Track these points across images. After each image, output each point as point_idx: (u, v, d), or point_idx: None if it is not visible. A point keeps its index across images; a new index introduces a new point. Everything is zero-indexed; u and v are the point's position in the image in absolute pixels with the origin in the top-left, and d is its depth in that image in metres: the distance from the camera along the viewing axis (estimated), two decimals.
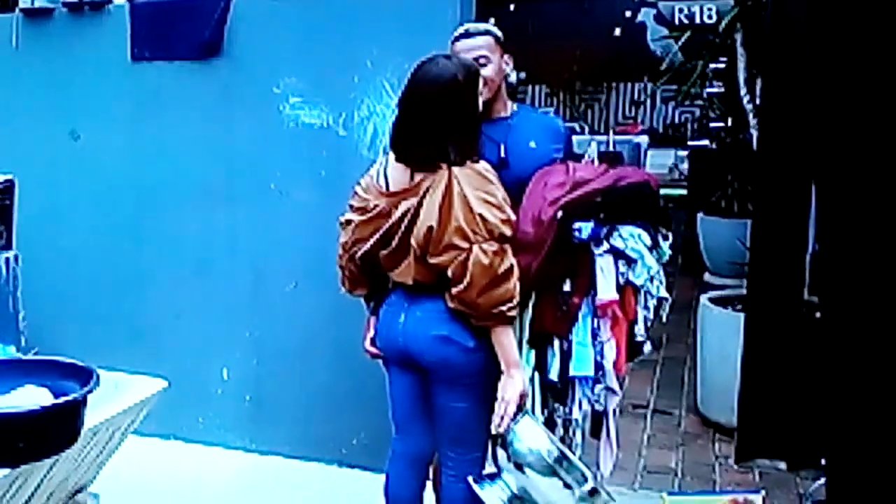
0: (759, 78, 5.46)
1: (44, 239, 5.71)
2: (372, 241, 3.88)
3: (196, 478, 5.64)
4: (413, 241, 3.72)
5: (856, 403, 3.94)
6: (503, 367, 3.75)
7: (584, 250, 3.89)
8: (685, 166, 12.51)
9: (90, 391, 2.99)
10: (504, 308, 3.65)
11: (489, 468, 4.02)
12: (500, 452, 3.82)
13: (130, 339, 5.95)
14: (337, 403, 5.64)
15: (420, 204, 3.70)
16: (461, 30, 4.16)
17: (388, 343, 4.09)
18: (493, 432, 3.78)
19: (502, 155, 4.11)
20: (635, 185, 3.97)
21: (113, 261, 6.18)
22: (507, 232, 3.69)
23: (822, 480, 4.70)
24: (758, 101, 5.84)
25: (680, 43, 8.74)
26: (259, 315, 5.87)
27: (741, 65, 6.49)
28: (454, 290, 3.67)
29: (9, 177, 4.43)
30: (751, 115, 6.42)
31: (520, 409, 3.75)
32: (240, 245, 5.86)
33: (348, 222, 4.04)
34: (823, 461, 4.68)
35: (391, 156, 3.90)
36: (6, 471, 2.92)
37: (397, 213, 3.76)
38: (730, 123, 9.42)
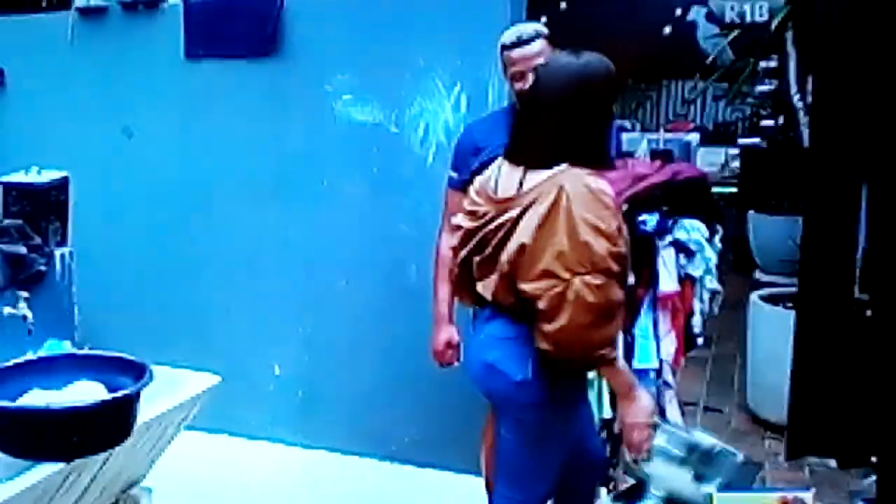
0: (811, 76, 5.43)
1: (98, 235, 5.74)
2: (469, 246, 3.61)
3: (247, 472, 5.66)
4: (503, 257, 3.39)
5: None
6: (619, 394, 3.52)
7: (647, 243, 3.88)
8: (736, 164, 12.47)
9: (144, 386, 3.02)
10: (604, 352, 3.32)
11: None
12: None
13: (183, 335, 5.98)
14: (388, 399, 5.65)
15: (521, 216, 3.35)
16: (512, 36, 4.12)
17: (466, 362, 3.92)
18: (631, 459, 3.65)
19: None
20: (692, 179, 3.98)
21: (166, 257, 6.23)
22: (615, 267, 3.25)
23: (873, 478, 4.68)
24: (809, 100, 5.81)
25: (729, 39, 8.71)
26: (310, 311, 5.89)
27: (792, 63, 6.46)
28: (547, 328, 3.27)
29: (64, 174, 4.47)
30: (801, 114, 6.38)
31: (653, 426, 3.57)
32: (291, 241, 5.88)
33: (458, 227, 3.74)
34: (874, 459, 4.66)
35: (505, 161, 3.62)
36: (60, 465, 2.94)
37: (497, 222, 3.44)
38: (780, 122, 9.37)
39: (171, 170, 6.14)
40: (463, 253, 3.67)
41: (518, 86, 4.12)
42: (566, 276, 3.19)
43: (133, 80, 6.20)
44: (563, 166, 3.35)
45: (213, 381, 3.74)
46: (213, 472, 5.57)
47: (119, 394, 2.99)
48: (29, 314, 3.99)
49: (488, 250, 3.48)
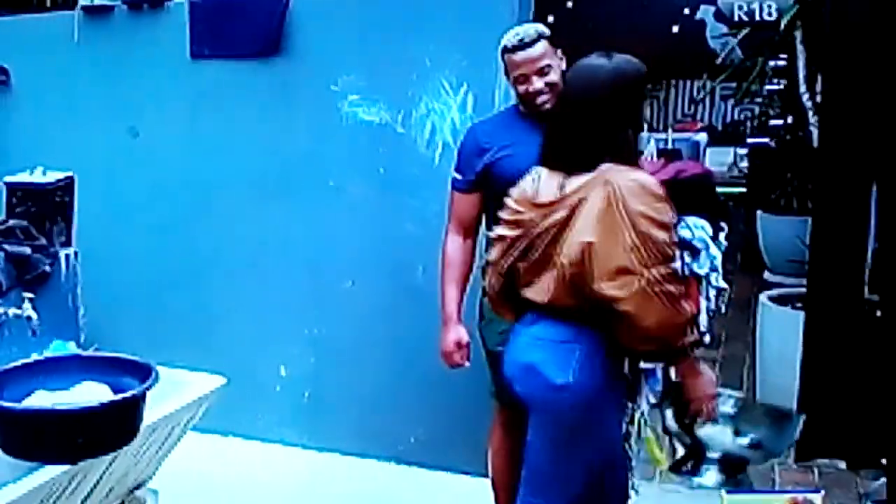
0: (820, 76, 5.42)
1: (103, 235, 5.73)
2: (515, 253, 3.59)
3: (254, 474, 5.66)
4: (563, 259, 3.40)
5: None
6: (688, 374, 3.62)
7: None
8: (744, 164, 12.43)
9: (149, 387, 3.00)
10: (690, 338, 3.46)
11: None
12: None
13: (189, 336, 5.97)
14: (394, 400, 5.64)
15: (570, 216, 3.40)
16: (513, 38, 4.10)
17: (505, 366, 3.81)
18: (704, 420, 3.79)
19: None
20: (696, 176, 3.97)
21: (171, 257, 6.22)
22: (673, 254, 3.39)
23: (883, 480, 4.66)
24: (818, 99, 5.79)
25: (738, 38, 8.69)
26: (316, 312, 5.88)
27: (801, 62, 6.44)
28: (642, 327, 3.32)
29: (69, 174, 4.46)
30: (811, 113, 6.37)
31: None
32: (297, 242, 5.88)
33: (500, 238, 3.70)
34: (884, 460, 4.64)
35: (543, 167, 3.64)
36: (66, 467, 2.93)
37: (543, 225, 3.47)
38: (789, 121, 9.34)
39: (177, 170, 6.13)
40: (507, 262, 3.64)
41: (522, 89, 4.12)
42: (640, 270, 3.26)
43: (138, 80, 6.19)
44: (605, 166, 3.40)
45: (218, 383, 3.73)
46: (220, 473, 5.57)
47: (125, 395, 2.98)
48: (34, 315, 3.98)
49: (536, 255, 3.51)
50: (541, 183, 3.57)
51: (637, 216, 3.28)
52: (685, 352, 3.50)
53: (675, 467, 4.58)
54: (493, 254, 3.76)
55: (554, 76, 4.07)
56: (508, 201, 3.69)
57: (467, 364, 4.37)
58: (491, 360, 4.34)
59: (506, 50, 4.12)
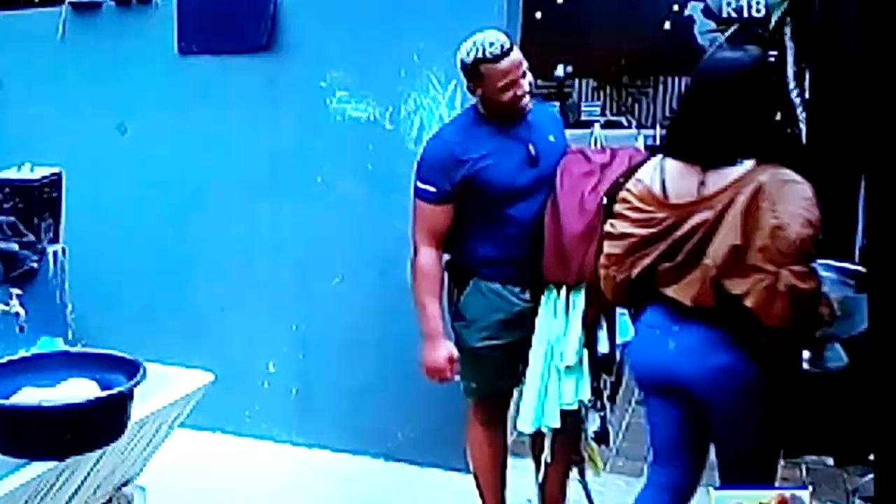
0: (809, 72, 5.42)
1: (91, 232, 5.73)
2: (654, 255, 3.56)
3: (242, 471, 5.65)
4: (709, 260, 3.40)
5: None
6: None
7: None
8: None
9: (137, 384, 3.00)
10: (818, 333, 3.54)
11: None
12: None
13: (177, 332, 5.96)
14: (383, 397, 5.64)
15: (720, 218, 3.39)
16: (491, 48, 4.07)
17: (650, 370, 3.77)
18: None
19: (532, 153, 4.21)
20: (644, 160, 3.98)
21: (159, 254, 6.21)
22: (814, 252, 3.36)
23: (870, 476, 4.66)
24: (807, 95, 5.79)
25: (727, 35, 8.69)
26: (305, 308, 5.88)
27: (790, 59, 6.44)
28: (766, 319, 3.34)
29: (56, 170, 4.46)
30: (799, 109, 6.37)
31: None
32: (285, 238, 5.87)
33: (624, 235, 3.67)
34: (871, 457, 4.65)
35: (669, 162, 3.62)
36: (53, 463, 2.92)
37: (686, 227, 3.45)
38: (778, 117, 9.35)
39: (165, 166, 6.12)
40: (646, 262, 3.60)
41: (509, 95, 4.11)
42: (771, 268, 3.26)
43: (126, 76, 6.18)
44: (749, 164, 3.42)
45: (206, 379, 3.72)
46: (207, 470, 5.56)
47: (112, 391, 2.97)
48: (21, 311, 3.98)
49: (680, 257, 3.49)
50: (670, 179, 3.58)
51: (784, 214, 3.27)
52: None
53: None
54: (616, 249, 3.71)
55: (531, 78, 4.15)
56: (628, 196, 3.69)
57: (457, 378, 4.35)
58: (473, 358, 4.36)
59: (485, 60, 4.06)
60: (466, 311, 4.31)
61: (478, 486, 4.64)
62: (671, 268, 3.53)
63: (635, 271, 3.64)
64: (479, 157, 4.15)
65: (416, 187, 4.28)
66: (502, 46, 4.06)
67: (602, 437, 4.45)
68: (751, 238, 3.30)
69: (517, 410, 4.37)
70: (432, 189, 4.21)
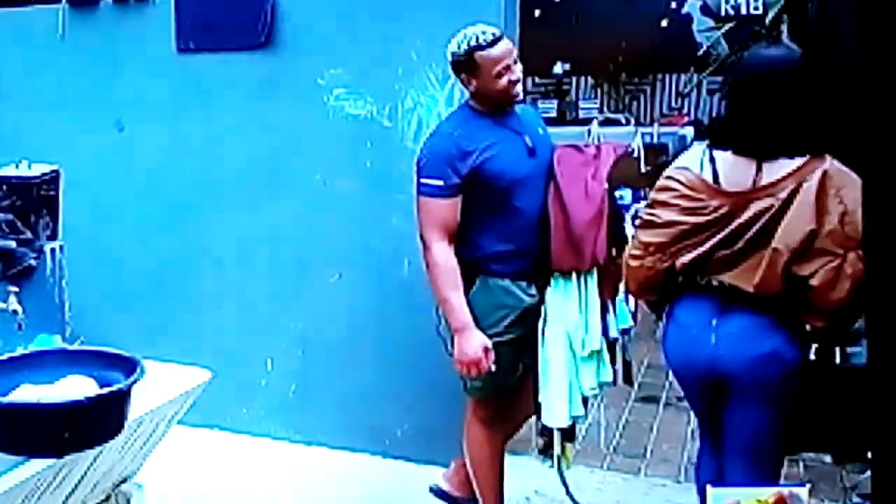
0: None
1: (89, 229, 5.74)
2: (710, 243, 3.62)
3: (240, 468, 5.66)
4: (781, 245, 3.48)
5: None
6: None
7: (617, 215, 4.26)
8: None
9: (135, 381, 2.99)
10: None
11: None
12: None
13: (175, 330, 5.97)
14: (381, 395, 5.64)
15: (786, 205, 3.49)
16: (486, 36, 4.19)
17: (691, 364, 3.84)
18: None
19: (529, 145, 4.32)
20: (626, 154, 4.47)
21: (158, 250, 6.21)
22: None
23: (868, 474, 4.66)
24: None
25: (722, 31, 8.70)
26: (303, 306, 5.88)
27: None
28: (823, 302, 3.48)
29: (54, 167, 4.45)
30: None
31: None
32: (284, 236, 5.87)
33: (671, 223, 3.72)
34: (869, 454, 4.65)
35: (718, 153, 3.71)
36: (51, 461, 2.92)
37: (747, 214, 3.54)
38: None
39: (163, 163, 6.13)
40: (699, 250, 3.66)
41: (504, 81, 4.20)
42: (839, 251, 3.40)
43: (124, 74, 6.19)
44: (807, 156, 3.53)
45: (204, 377, 3.71)
46: (206, 467, 5.57)
47: (110, 389, 2.96)
48: (19, 309, 3.97)
49: (740, 244, 3.56)
50: (723, 168, 3.66)
51: (850, 201, 3.38)
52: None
53: None
54: (659, 237, 3.76)
55: (520, 64, 4.26)
56: (674, 184, 3.74)
57: (494, 368, 4.31)
58: None
59: (480, 47, 4.16)
60: (474, 308, 4.28)
61: (477, 484, 4.65)
62: (729, 255, 3.60)
63: (684, 259, 3.69)
64: (485, 148, 4.20)
65: (421, 185, 4.29)
66: (493, 34, 4.18)
67: (569, 432, 4.58)
68: (821, 223, 3.42)
69: (536, 408, 4.44)
70: (440, 183, 4.23)
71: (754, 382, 3.67)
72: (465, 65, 4.21)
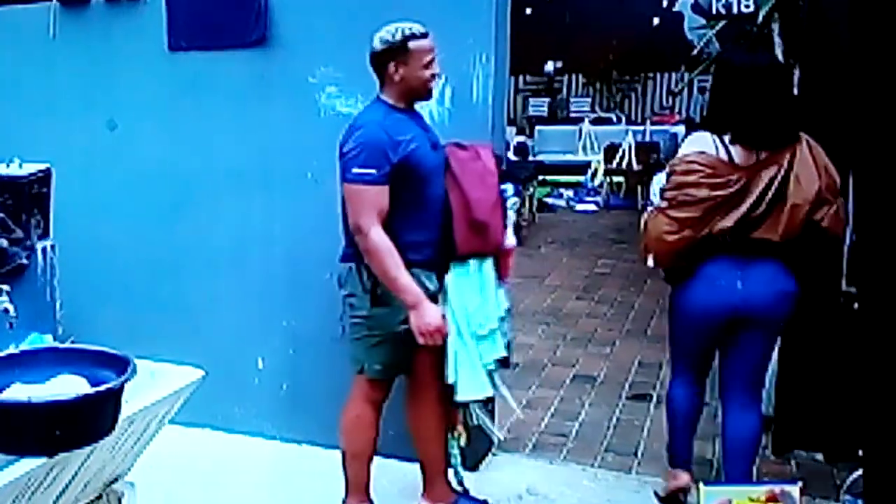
0: (797, 68, 5.44)
1: (80, 228, 5.71)
2: (744, 207, 4.36)
3: (232, 467, 5.66)
4: (800, 200, 4.30)
5: (894, 395, 3.91)
6: None
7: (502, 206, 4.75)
8: None
9: (127, 380, 2.99)
10: None
11: None
12: None
13: (166, 328, 5.96)
14: None
15: (789, 169, 4.33)
16: (417, 27, 4.51)
17: (718, 306, 4.56)
18: None
19: (432, 140, 4.64)
20: (497, 156, 4.89)
21: (149, 250, 6.21)
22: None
23: (860, 472, 4.67)
24: (795, 92, 5.81)
25: (715, 30, 8.70)
26: (295, 304, 5.88)
27: (779, 54, 6.45)
28: (835, 234, 4.47)
29: (46, 166, 4.44)
30: None
31: None
32: (275, 234, 5.87)
33: (703, 200, 4.41)
34: (861, 453, 4.66)
35: (725, 138, 4.45)
36: (43, 460, 2.92)
37: (763, 182, 4.34)
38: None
39: (155, 162, 6.12)
40: (736, 215, 4.39)
41: (429, 73, 4.53)
42: (832, 198, 4.37)
43: (116, 72, 6.18)
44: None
45: (196, 375, 3.71)
46: (197, 466, 5.57)
47: (102, 388, 2.96)
48: (10, 308, 3.96)
49: (763, 206, 4.36)
50: (734, 149, 4.42)
51: (828, 163, 4.40)
52: None
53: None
54: (693, 213, 4.44)
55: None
56: (693, 166, 4.44)
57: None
58: (392, 341, 4.61)
59: (414, 37, 4.46)
60: (389, 296, 4.48)
61: (353, 468, 4.93)
62: (757, 216, 4.38)
63: (725, 223, 4.40)
64: (409, 139, 4.45)
65: (354, 173, 4.42)
66: (422, 28, 4.48)
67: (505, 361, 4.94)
68: (822, 181, 4.34)
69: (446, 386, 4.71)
70: (374, 171, 4.38)
71: (771, 315, 4.55)
72: (398, 53, 4.46)
